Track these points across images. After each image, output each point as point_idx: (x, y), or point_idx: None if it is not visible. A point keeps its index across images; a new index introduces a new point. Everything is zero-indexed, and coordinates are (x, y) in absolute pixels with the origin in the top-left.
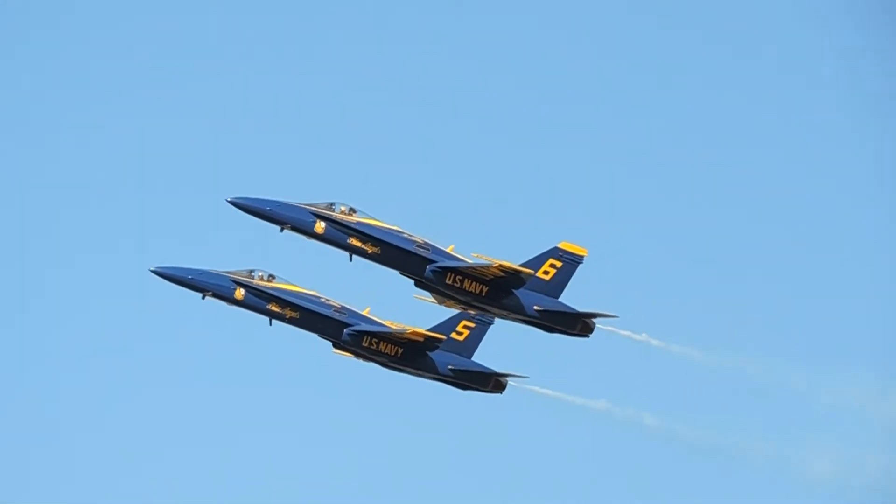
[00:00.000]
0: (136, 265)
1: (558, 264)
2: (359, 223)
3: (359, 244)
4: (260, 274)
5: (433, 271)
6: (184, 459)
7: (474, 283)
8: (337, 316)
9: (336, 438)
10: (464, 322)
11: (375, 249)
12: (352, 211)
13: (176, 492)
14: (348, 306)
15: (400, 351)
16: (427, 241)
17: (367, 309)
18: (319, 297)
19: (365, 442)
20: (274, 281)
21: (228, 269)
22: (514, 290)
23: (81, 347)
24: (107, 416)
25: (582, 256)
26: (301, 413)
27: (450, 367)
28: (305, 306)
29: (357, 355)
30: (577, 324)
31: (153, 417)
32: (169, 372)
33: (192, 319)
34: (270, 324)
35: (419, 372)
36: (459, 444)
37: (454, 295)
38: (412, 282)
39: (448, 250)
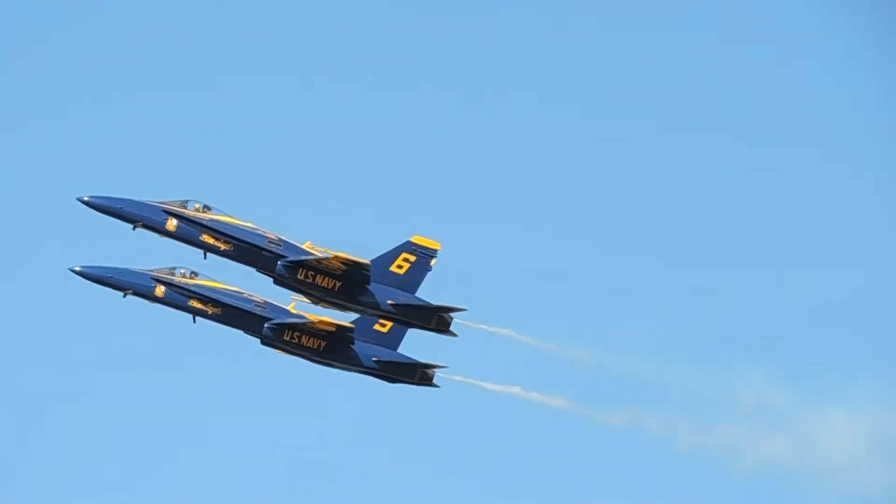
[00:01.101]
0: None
1: (412, 258)
2: (211, 220)
3: (212, 241)
4: (182, 271)
5: (284, 266)
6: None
7: (326, 279)
8: (258, 311)
9: (264, 434)
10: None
11: (228, 246)
12: (206, 208)
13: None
14: (270, 300)
15: (322, 344)
16: (281, 237)
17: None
18: (241, 293)
19: (291, 437)
20: (196, 278)
21: (150, 268)
22: (367, 286)
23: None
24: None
25: (435, 250)
26: (232, 409)
27: (374, 358)
28: (227, 302)
29: (282, 350)
30: (433, 318)
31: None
32: (98, 372)
33: (113, 318)
34: (194, 321)
35: (344, 366)
36: (389, 436)
37: (308, 291)
38: (270, 280)
39: (304, 246)
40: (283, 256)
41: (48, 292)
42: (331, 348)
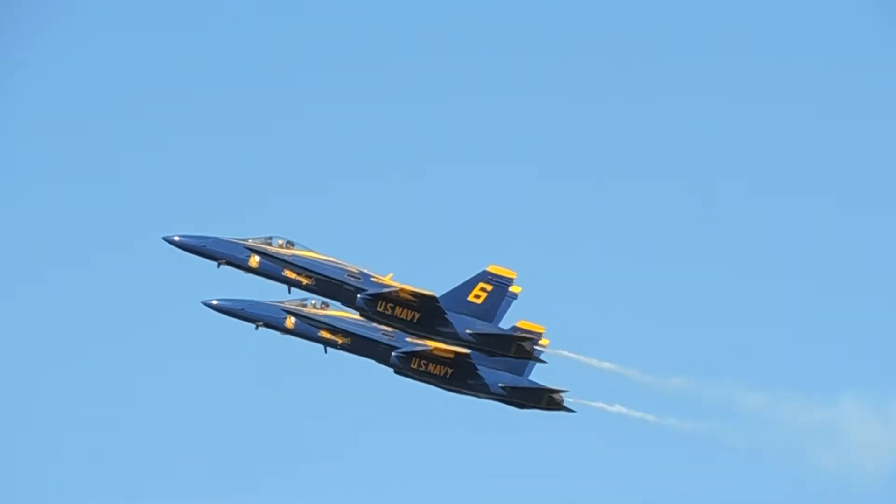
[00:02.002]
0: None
1: (489, 287)
2: (293, 255)
3: (294, 276)
4: (313, 302)
5: (363, 300)
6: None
7: (404, 311)
8: (385, 339)
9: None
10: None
11: (310, 281)
12: (289, 244)
13: None
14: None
15: (449, 372)
16: (362, 269)
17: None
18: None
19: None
20: (327, 308)
21: (279, 300)
22: (445, 317)
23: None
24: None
25: (511, 279)
26: (371, 438)
27: (501, 385)
28: (357, 332)
29: (413, 377)
30: (512, 346)
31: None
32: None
33: (245, 351)
34: (326, 352)
35: (473, 392)
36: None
37: (389, 323)
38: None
39: (386, 280)
40: (364, 290)
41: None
42: (458, 375)
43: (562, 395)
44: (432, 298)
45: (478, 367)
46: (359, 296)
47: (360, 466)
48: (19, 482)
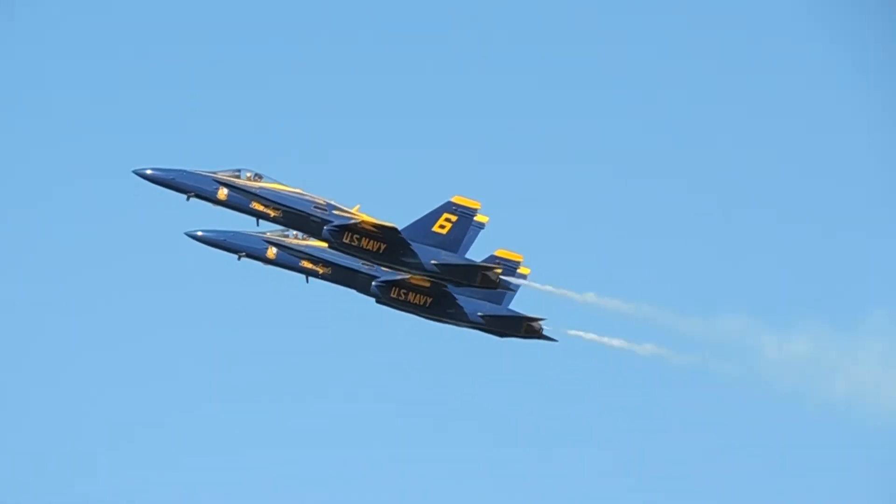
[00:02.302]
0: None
1: (453, 218)
2: (261, 188)
3: (261, 208)
4: (295, 232)
5: (329, 231)
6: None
7: (370, 241)
8: (366, 269)
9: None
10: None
11: (277, 213)
12: (257, 177)
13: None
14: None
15: (428, 300)
16: (329, 201)
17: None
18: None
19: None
20: (309, 239)
21: (261, 231)
22: (410, 247)
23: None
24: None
25: (475, 209)
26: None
27: (479, 314)
28: (337, 262)
29: (393, 306)
30: (477, 276)
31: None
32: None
33: (228, 281)
34: (307, 281)
35: (452, 321)
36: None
37: (356, 254)
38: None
39: (353, 211)
40: (330, 221)
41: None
42: (437, 304)
43: (540, 323)
44: (393, 230)
45: (457, 296)
46: (325, 228)
47: (342, 397)
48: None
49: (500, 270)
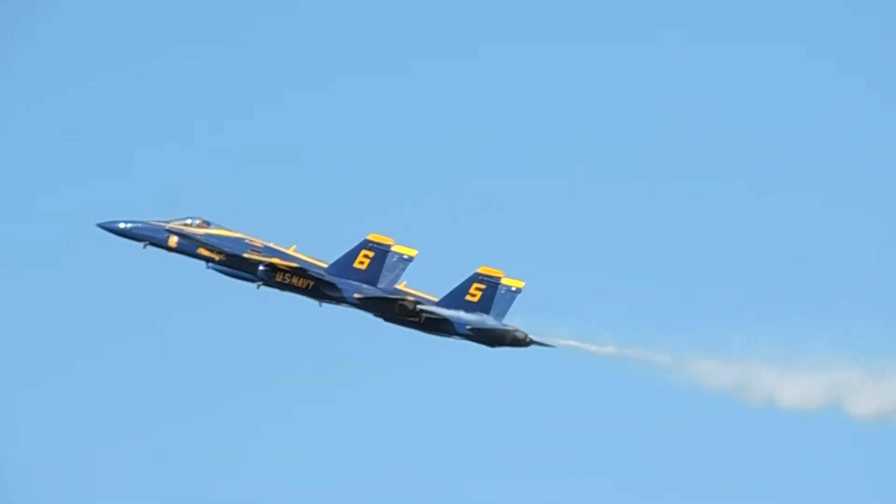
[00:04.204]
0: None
1: (370, 254)
2: (206, 234)
3: (207, 253)
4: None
5: (263, 271)
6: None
7: (300, 279)
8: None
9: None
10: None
11: (221, 256)
12: (205, 223)
13: None
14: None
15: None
16: (268, 244)
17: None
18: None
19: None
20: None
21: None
22: (334, 284)
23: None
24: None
25: (389, 245)
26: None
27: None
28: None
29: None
30: (394, 306)
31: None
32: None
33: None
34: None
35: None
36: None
37: (291, 291)
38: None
39: (290, 251)
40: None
41: None
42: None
43: (524, 332)
44: (301, 270)
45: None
46: (259, 267)
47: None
48: None
49: (412, 300)
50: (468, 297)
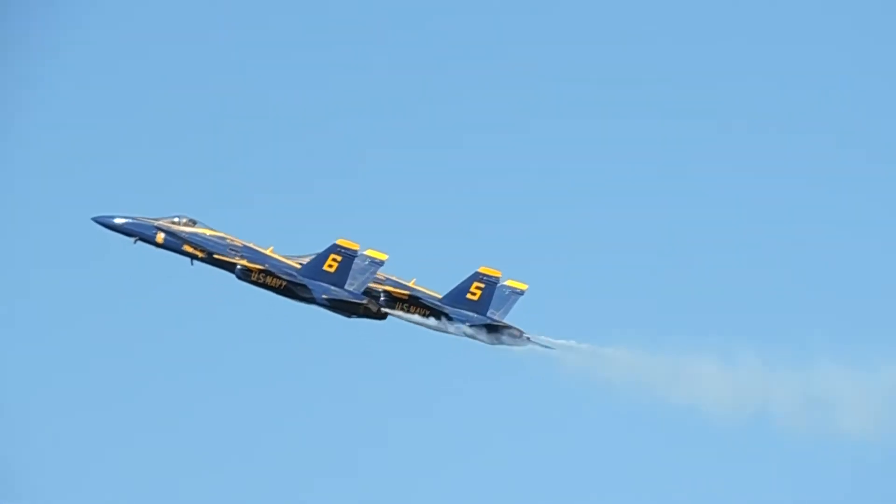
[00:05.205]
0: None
1: (338, 258)
2: (191, 233)
3: (191, 250)
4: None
5: (240, 271)
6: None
7: (273, 279)
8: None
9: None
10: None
11: (204, 254)
12: (191, 222)
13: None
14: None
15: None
16: (247, 244)
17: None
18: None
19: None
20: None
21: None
22: (304, 285)
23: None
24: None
25: (356, 251)
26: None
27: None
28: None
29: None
30: (360, 308)
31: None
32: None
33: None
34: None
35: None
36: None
37: (266, 289)
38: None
39: (268, 252)
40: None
41: None
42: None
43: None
44: (266, 272)
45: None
46: (237, 267)
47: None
48: None
49: (375, 304)
50: (469, 296)
